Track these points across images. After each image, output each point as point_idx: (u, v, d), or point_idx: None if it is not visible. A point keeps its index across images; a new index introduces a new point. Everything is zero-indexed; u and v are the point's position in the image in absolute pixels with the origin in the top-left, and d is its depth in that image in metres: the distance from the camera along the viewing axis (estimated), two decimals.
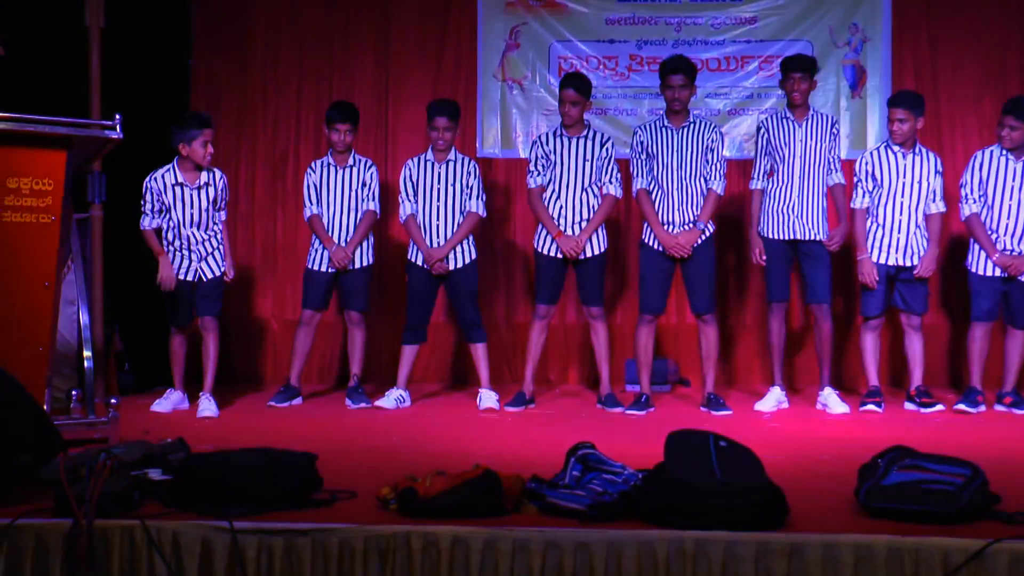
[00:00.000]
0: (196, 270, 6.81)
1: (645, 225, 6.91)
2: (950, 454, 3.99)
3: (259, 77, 8.39)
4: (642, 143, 6.88)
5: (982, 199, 6.86)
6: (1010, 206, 6.82)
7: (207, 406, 6.73)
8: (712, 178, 6.83)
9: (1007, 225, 6.83)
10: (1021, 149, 6.81)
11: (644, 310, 6.94)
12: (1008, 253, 6.81)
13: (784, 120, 6.93)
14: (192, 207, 6.77)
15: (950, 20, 8.15)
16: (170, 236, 6.81)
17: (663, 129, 6.85)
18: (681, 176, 6.79)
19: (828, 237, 6.91)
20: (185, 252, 6.80)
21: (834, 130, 6.93)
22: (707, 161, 6.81)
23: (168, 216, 6.79)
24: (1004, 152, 6.84)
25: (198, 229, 6.80)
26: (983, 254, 6.88)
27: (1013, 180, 6.82)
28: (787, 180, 6.88)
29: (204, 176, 6.78)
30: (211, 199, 6.79)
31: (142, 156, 6.94)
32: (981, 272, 6.89)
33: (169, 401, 6.89)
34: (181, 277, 6.79)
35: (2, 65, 5.73)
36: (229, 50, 8.38)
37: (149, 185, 6.78)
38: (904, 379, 7.19)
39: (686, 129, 6.83)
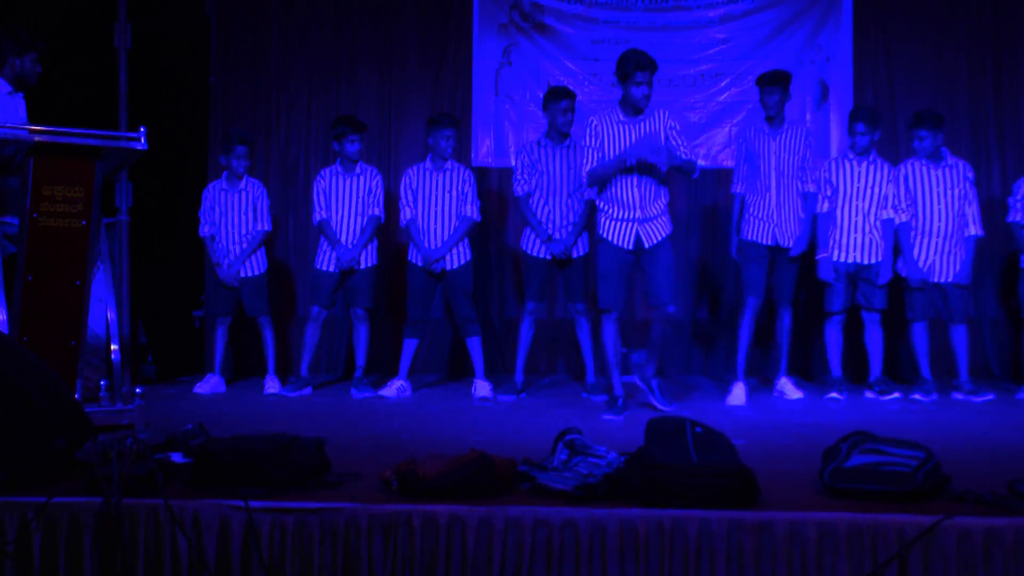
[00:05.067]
0: (233, 266, 7.23)
1: (604, 220, 6.17)
2: (906, 438, 4.00)
3: (273, 93, 8.40)
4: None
5: (911, 208, 6.90)
6: (939, 209, 6.90)
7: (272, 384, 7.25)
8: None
9: (938, 227, 6.91)
10: (936, 157, 6.88)
11: (609, 307, 6.19)
12: (937, 252, 6.89)
13: (760, 132, 6.74)
14: (232, 210, 7.23)
15: (905, 40, 8.17)
16: (221, 235, 7.31)
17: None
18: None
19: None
20: (227, 248, 7.26)
21: (808, 140, 6.73)
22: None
23: (215, 218, 7.29)
24: (924, 162, 6.89)
25: (235, 230, 7.23)
26: (918, 257, 6.92)
27: (938, 186, 6.90)
28: (765, 188, 6.73)
29: (243, 183, 7.26)
30: (249, 204, 7.25)
31: (166, 166, 6.95)
32: (915, 274, 6.92)
33: (208, 384, 7.22)
34: (225, 269, 7.26)
35: (39, 82, 5.73)
36: (246, 69, 8.39)
37: (204, 193, 7.35)
38: (864, 370, 7.19)
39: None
